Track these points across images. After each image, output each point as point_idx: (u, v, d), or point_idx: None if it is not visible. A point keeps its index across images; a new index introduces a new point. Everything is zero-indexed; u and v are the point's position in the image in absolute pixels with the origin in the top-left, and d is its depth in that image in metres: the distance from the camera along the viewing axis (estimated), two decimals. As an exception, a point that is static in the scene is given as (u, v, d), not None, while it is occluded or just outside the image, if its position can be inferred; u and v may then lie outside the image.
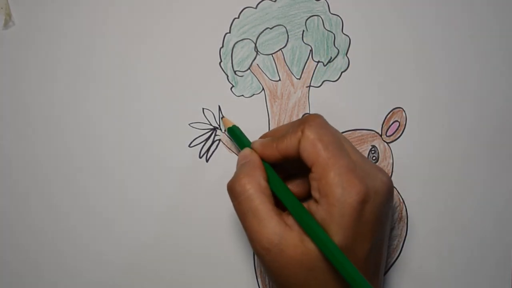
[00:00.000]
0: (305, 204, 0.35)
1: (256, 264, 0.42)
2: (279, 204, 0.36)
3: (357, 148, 0.42)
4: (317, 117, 0.36)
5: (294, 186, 0.38)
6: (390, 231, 0.43)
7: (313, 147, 0.34)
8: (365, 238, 0.34)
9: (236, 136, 0.39)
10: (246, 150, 0.38)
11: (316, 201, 0.34)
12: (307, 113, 0.42)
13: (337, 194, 0.33)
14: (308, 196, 0.37)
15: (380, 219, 0.34)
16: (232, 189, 0.35)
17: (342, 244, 0.33)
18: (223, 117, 0.41)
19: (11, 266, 0.41)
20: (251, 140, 0.39)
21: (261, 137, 0.40)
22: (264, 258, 0.34)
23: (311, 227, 0.33)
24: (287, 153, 0.35)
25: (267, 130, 0.42)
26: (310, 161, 0.34)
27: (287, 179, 0.38)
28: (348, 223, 0.33)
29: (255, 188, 0.35)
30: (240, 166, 0.37)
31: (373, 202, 0.33)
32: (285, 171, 0.38)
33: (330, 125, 0.36)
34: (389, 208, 0.36)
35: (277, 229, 0.34)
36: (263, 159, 0.37)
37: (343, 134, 0.42)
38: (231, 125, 0.40)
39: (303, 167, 0.35)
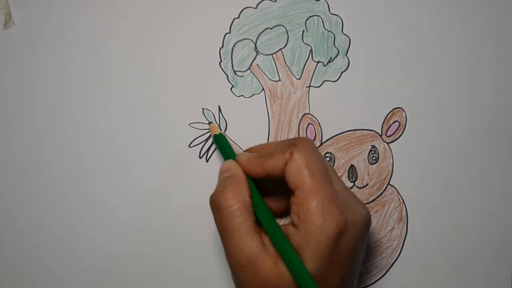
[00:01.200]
0: (282, 226, 0.35)
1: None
2: (259, 221, 0.36)
3: (357, 148, 0.42)
4: (307, 142, 0.36)
5: (272, 202, 0.38)
6: (386, 228, 0.43)
7: (299, 172, 0.34)
8: (338, 268, 0.34)
9: (221, 145, 0.39)
10: (231, 163, 0.37)
11: (294, 225, 0.34)
12: (307, 113, 0.42)
13: (317, 222, 0.33)
14: (283, 214, 0.37)
15: (355, 251, 0.34)
16: (216, 203, 0.35)
17: (315, 272, 0.33)
18: (210, 122, 0.41)
19: (16, 262, 0.41)
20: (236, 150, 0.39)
21: (246, 151, 0.40)
22: (240, 275, 0.34)
23: (285, 252, 0.33)
24: (272, 172, 0.35)
25: (267, 130, 0.42)
26: (294, 185, 0.34)
27: (264, 193, 0.38)
28: (324, 252, 0.33)
29: (240, 205, 0.35)
30: (224, 179, 0.36)
31: (351, 234, 0.34)
32: (263, 185, 0.38)
33: (319, 151, 0.36)
34: (364, 241, 0.36)
35: (255, 249, 0.34)
36: (248, 175, 0.37)
37: (343, 134, 0.42)
38: (217, 133, 0.40)
39: (282, 186, 0.35)
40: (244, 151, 0.40)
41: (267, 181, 0.37)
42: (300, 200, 0.34)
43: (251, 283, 0.34)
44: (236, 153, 0.38)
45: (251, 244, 0.34)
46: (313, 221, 0.33)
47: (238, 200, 0.35)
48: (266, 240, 0.35)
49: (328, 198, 0.33)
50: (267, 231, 0.35)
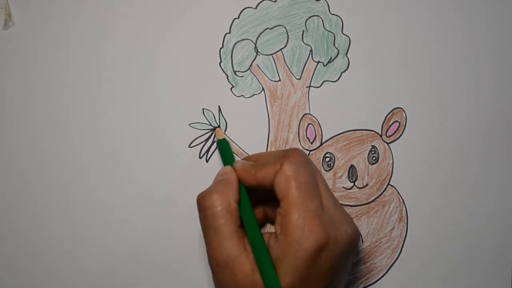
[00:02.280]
0: (266, 235, 0.36)
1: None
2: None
3: (357, 148, 0.42)
4: (299, 154, 0.36)
5: (267, 210, 0.39)
6: (386, 228, 0.43)
7: (286, 183, 0.34)
8: (314, 285, 0.34)
9: (223, 151, 0.40)
10: (227, 168, 0.38)
11: (276, 236, 0.35)
12: (307, 113, 0.42)
13: (295, 236, 0.33)
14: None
15: (335, 268, 0.34)
16: (201, 202, 0.36)
17: (289, 286, 0.33)
18: (217, 127, 0.41)
19: (16, 262, 0.41)
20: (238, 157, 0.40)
21: (245, 159, 0.40)
22: (217, 276, 0.35)
23: (261, 262, 0.34)
24: (262, 182, 0.36)
25: (267, 130, 0.42)
26: (280, 196, 0.34)
27: (260, 201, 0.39)
28: (300, 267, 0.33)
29: (223, 206, 0.35)
30: (216, 182, 0.37)
31: (331, 252, 0.34)
32: (262, 194, 0.38)
33: (312, 164, 0.36)
34: (347, 260, 0.36)
35: (234, 252, 0.34)
36: (241, 182, 0.37)
37: (343, 134, 0.42)
38: (221, 138, 0.40)
39: (275, 197, 0.35)
40: (243, 159, 0.40)
41: (264, 191, 0.37)
42: (284, 212, 0.34)
43: (227, 284, 0.34)
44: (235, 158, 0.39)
45: (230, 246, 0.34)
46: (293, 234, 0.33)
47: (223, 202, 0.35)
48: (249, 247, 0.35)
49: (311, 212, 0.33)
50: (249, 238, 0.35)
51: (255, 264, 0.34)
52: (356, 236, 0.36)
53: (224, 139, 0.40)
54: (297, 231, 0.33)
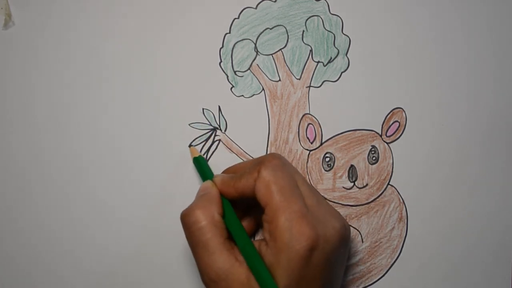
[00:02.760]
0: (256, 243, 0.35)
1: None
2: (232, 238, 0.36)
3: (357, 148, 0.42)
4: (275, 158, 0.36)
5: (252, 220, 0.39)
6: (386, 228, 0.43)
7: (266, 189, 0.34)
8: (310, 284, 0.34)
9: (200, 167, 0.40)
10: (208, 183, 0.38)
11: (266, 243, 0.34)
12: (307, 113, 0.42)
13: (285, 239, 0.33)
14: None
15: (329, 265, 0.34)
16: (185, 219, 0.36)
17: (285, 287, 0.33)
18: (190, 145, 0.41)
19: (16, 262, 0.41)
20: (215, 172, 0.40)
21: (224, 171, 0.40)
22: None
23: (257, 269, 0.34)
24: (243, 192, 0.36)
25: (267, 130, 0.42)
26: (263, 202, 0.35)
27: (246, 212, 0.39)
28: (294, 268, 0.33)
29: (208, 221, 0.35)
30: (198, 197, 0.37)
31: (322, 249, 0.34)
32: (245, 204, 0.38)
33: (289, 166, 0.36)
34: (340, 254, 0.36)
35: (226, 264, 0.34)
36: (222, 195, 0.37)
37: (343, 134, 0.42)
38: (197, 155, 0.40)
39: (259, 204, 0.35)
40: (222, 171, 0.40)
41: (248, 201, 0.37)
42: (269, 218, 0.34)
43: None
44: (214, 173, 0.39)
45: (220, 259, 0.34)
46: (282, 237, 0.33)
47: (206, 217, 0.35)
48: (240, 257, 0.35)
49: (297, 213, 0.33)
50: (240, 248, 0.35)
51: (250, 273, 0.34)
52: (345, 230, 0.36)
53: (200, 156, 0.40)
54: (286, 234, 0.33)
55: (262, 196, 0.34)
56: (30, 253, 0.41)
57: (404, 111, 0.43)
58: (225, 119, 0.42)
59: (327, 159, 0.42)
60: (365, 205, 0.42)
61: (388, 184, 0.43)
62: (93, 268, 0.41)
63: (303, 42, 0.42)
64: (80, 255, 0.41)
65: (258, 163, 0.35)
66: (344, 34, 0.42)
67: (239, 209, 0.38)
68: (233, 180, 0.36)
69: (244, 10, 0.41)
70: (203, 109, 0.41)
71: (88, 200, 0.41)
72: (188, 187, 0.41)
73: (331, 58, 0.42)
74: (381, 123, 0.42)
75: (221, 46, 0.41)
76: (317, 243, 0.33)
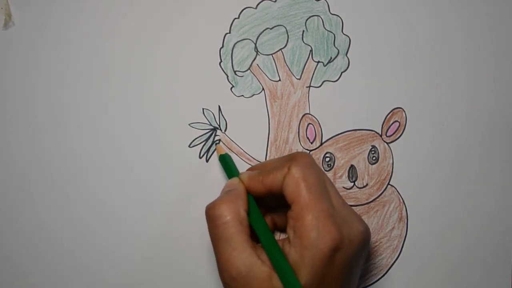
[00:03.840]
0: (279, 241, 0.35)
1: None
2: (255, 236, 0.36)
3: (357, 148, 0.42)
4: (305, 156, 0.36)
5: (276, 218, 0.39)
6: (386, 228, 0.43)
7: (296, 186, 0.34)
8: (332, 284, 0.34)
9: (227, 165, 0.40)
10: (234, 180, 0.38)
11: (289, 240, 0.34)
12: (307, 113, 0.42)
13: (311, 238, 0.33)
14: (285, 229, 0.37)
15: (350, 266, 0.34)
16: (211, 212, 0.36)
17: (308, 285, 0.33)
18: (218, 142, 0.41)
19: (16, 262, 0.41)
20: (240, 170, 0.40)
21: (249, 169, 0.40)
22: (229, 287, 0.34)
23: (281, 267, 0.33)
24: (272, 188, 0.36)
25: (267, 130, 0.42)
26: (291, 199, 0.34)
27: (269, 210, 0.39)
28: (318, 267, 0.33)
29: (233, 216, 0.35)
30: (224, 193, 0.37)
31: (346, 250, 0.34)
32: (268, 203, 0.38)
33: (317, 166, 0.36)
34: (360, 257, 0.36)
35: (248, 261, 0.34)
36: (249, 192, 0.37)
37: (343, 134, 0.42)
38: (223, 153, 0.40)
39: (285, 202, 0.35)
40: (247, 169, 0.40)
41: (272, 199, 0.37)
42: (295, 215, 0.34)
43: None
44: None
45: (242, 256, 0.34)
46: (308, 236, 0.33)
47: (232, 212, 0.35)
48: (263, 256, 0.35)
49: (324, 213, 0.33)
50: (263, 244, 0.35)
51: (272, 271, 0.34)
52: (367, 233, 0.36)
53: (226, 154, 0.40)
54: (312, 232, 0.33)
55: (290, 192, 0.34)
56: (30, 253, 0.41)
57: (404, 111, 0.43)
58: (225, 119, 0.42)
59: (327, 159, 0.42)
60: (365, 205, 0.42)
61: (388, 184, 0.43)
62: (93, 268, 0.41)
63: (303, 42, 0.42)
64: (80, 255, 0.41)
65: (288, 160, 0.35)
66: (344, 34, 0.42)
67: (260, 208, 0.38)
68: (261, 176, 0.36)
69: (244, 10, 0.41)
70: (203, 109, 0.41)
71: (88, 200, 0.41)
72: (188, 186, 0.41)
73: (331, 58, 0.42)
74: (381, 123, 0.42)
75: (221, 46, 0.41)
76: (341, 244, 0.33)
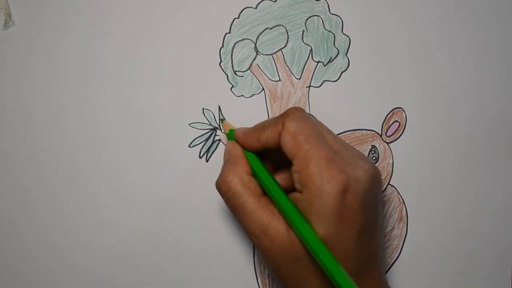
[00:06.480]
0: (290, 195, 0.36)
1: (256, 264, 0.42)
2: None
3: (357, 148, 0.42)
4: (298, 110, 0.36)
5: (284, 178, 0.38)
6: (386, 228, 0.43)
7: (293, 140, 0.34)
8: (350, 227, 0.34)
9: (228, 133, 0.40)
10: (229, 144, 0.38)
11: (299, 193, 0.35)
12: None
13: (316, 184, 0.33)
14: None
15: (365, 206, 0.34)
16: (219, 188, 0.37)
17: (325, 233, 0.33)
18: (218, 127, 0.41)
19: (13, 263, 0.41)
20: None
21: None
22: (259, 247, 0.35)
23: (291, 218, 0.34)
24: (267, 144, 0.36)
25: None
26: (290, 154, 0.35)
27: (277, 170, 0.39)
28: (330, 212, 0.33)
29: (240, 184, 0.36)
30: (225, 162, 0.38)
31: (355, 190, 0.34)
32: (275, 162, 0.38)
33: (311, 117, 0.37)
34: (375, 195, 0.36)
35: (264, 220, 0.35)
36: (246, 148, 0.37)
37: (343, 134, 0.42)
38: (233, 128, 0.40)
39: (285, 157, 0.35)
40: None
41: (278, 157, 0.37)
42: (298, 168, 0.34)
43: (268, 251, 0.35)
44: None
45: (258, 217, 0.35)
46: (313, 183, 0.33)
47: (237, 181, 0.36)
48: (277, 210, 0.35)
49: (324, 158, 0.34)
50: (272, 199, 0.35)
51: (288, 224, 0.34)
52: (374, 171, 0.35)
53: (236, 129, 0.40)
54: (317, 179, 0.33)
55: (289, 147, 0.35)
56: (29, 253, 0.41)
57: (404, 111, 0.43)
58: (225, 119, 0.42)
59: (327, 159, 0.42)
60: (365, 205, 0.42)
61: (388, 184, 0.43)
62: (90, 268, 0.41)
63: (303, 42, 0.42)
64: (77, 255, 0.41)
65: (281, 116, 0.36)
66: (344, 34, 0.42)
67: (271, 167, 0.38)
68: (256, 132, 0.37)
69: (244, 10, 0.41)
70: (203, 109, 0.41)
71: (87, 200, 0.41)
72: (188, 186, 0.41)
73: (331, 58, 0.42)
74: (381, 123, 0.42)
75: (221, 46, 0.41)
76: (349, 185, 0.33)
